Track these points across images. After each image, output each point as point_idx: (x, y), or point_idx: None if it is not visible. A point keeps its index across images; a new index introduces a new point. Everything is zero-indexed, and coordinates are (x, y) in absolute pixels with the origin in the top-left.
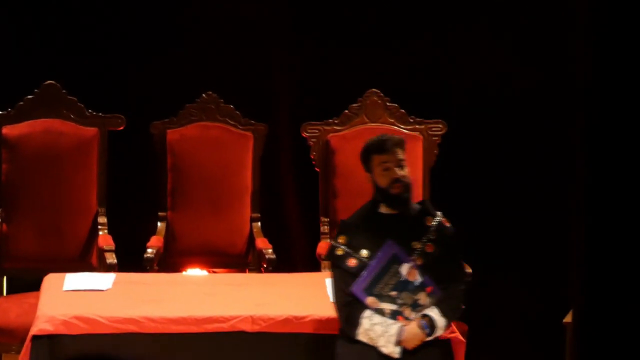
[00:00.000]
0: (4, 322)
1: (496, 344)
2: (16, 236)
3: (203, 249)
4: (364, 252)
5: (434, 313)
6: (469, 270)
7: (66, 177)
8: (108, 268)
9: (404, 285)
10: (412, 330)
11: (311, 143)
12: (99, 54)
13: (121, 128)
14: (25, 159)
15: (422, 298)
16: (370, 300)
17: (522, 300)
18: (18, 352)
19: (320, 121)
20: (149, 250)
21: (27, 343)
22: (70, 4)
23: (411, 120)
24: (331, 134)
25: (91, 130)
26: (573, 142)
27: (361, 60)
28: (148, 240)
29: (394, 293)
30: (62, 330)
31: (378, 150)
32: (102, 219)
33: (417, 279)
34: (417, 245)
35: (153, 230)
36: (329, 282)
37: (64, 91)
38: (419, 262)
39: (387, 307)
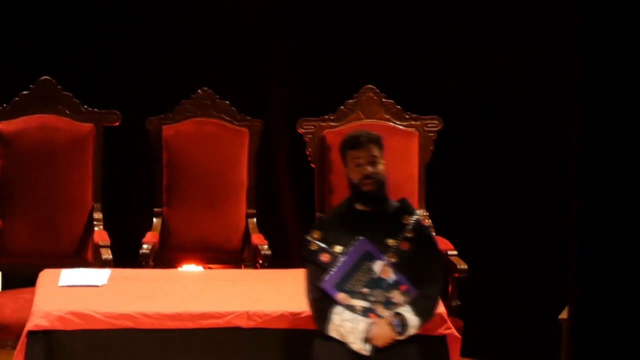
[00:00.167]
0: None
1: (492, 340)
2: (11, 232)
3: (198, 244)
4: (338, 248)
5: (406, 312)
6: (464, 266)
7: (62, 173)
8: (103, 264)
9: (376, 283)
10: (381, 327)
11: (307, 139)
12: (94, 50)
13: (117, 124)
14: (20, 154)
15: (396, 296)
16: (340, 296)
17: (518, 296)
18: (13, 347)
19: (316, 117)
20: (145, 246)
21: (23, 339)
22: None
23: (407, 117)
24: (327, 130)
25: (87, 126)
26: (569, 137)
27: (357, 57)
28: (143, 236)
29: (366, 290)
30: (58, 326)
31: (351, 145)
32: (98, 215)
33: (391, 276)
34: (391, 242)
35: (148, 226)
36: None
37: (59, 87)
38: (393, 260)
39: (359, 304)
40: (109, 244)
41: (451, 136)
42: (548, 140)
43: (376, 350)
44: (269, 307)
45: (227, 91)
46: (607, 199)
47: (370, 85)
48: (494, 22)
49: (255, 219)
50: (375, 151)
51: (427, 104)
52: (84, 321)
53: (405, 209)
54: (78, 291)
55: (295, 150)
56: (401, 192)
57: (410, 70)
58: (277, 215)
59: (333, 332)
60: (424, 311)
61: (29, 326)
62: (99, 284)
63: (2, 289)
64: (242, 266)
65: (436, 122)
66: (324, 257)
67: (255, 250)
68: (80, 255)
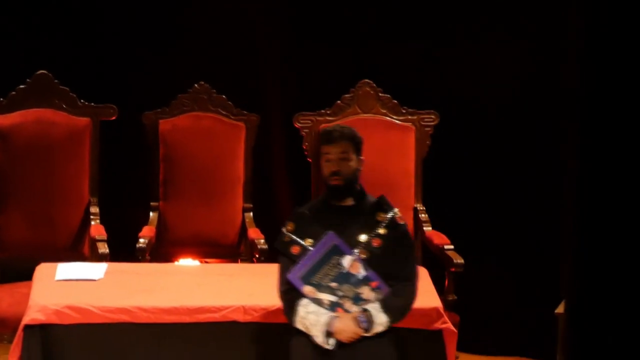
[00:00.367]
0: None
1: (488, 334)
2: (8, 226)
3: (195, 239)
4: (309, 241)
5: (374, 308)
6: (460, 260)
7: (58, 167)
8: (100, 258)
9: (345, 278)
10: (344, 322)
11: (303, 133)
12: (91, 44)
13: (113, 118)
14: (17, 148)
15: (366, 292)
16: (307, 289)
17: (514, 290)
18: (10, 341)
19: (313, 112)
20: (141, 240)
21: (19, 332)
22: None
23: (403, 111)
24: (323, 125)
25: (83, 120)
26: (567, 134)
27: (354, 51)
28: (140, 230)
29: (334, 284)
30: (54, 320)
31: (324, 140)
32: (94, 209)
33: (360, 272)
34: (363, 238)
35: (145, 220)
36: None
37: (56, 81)
38: (363, 256)
39: (326, 297)
40: (105, 238)
41: (448, 131)
42: (545, 135)
43: (340, 345)
44: (266, 301)
45: (224, 85)
46: (602, 194)
47: (366, 80)
48: (492, 18)
49: (251, 214)
50: (347, 147)
51: (423, 99)
52: (81, 315)
53: (381, 206)
54: (75, 285)
55: (291, 145)
56: (397, 187)
57: (407, 65)
58: (273, 209)
59: (299, 325)
60: (394, 309)
61: (26, 320)
62: (96, 278)
63: None
64: (239, 260)
65: (433, 116)
66: (294, 250)
67: (252, 244)
68: (76, 249)
